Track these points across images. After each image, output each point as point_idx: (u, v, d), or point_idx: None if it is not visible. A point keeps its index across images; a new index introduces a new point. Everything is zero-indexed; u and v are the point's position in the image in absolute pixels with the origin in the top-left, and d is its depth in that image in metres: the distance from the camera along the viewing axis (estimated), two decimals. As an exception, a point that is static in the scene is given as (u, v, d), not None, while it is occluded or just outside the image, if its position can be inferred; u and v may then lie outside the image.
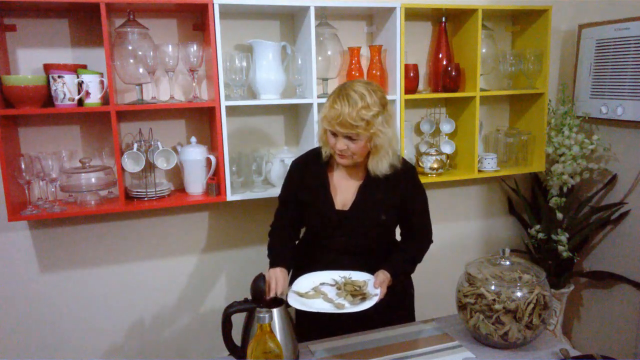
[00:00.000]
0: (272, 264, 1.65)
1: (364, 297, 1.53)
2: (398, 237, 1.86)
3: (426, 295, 2.46)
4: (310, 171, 1.75)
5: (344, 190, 1.72)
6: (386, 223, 1.72)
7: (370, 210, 1.68)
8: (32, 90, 1.87)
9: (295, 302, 1.50)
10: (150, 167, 2.10)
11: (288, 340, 1.45)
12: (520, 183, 2.84)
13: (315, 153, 1.76)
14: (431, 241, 1.80)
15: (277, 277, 1.57)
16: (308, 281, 1.63)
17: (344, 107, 1.52)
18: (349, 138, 1.57)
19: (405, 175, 1.70)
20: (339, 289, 1.58)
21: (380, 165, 1.63)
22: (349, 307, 1.48)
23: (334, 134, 1.59)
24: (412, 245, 1.77)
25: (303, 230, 1.90)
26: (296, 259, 1.81)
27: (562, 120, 2.51)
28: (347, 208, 1.69)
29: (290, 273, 1.74)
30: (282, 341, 1.38)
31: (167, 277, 2.36)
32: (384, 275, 1.59)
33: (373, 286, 1.56)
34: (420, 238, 1.78)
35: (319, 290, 1.59)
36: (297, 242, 1.85)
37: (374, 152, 1.62)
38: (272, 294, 1.53)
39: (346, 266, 1.66)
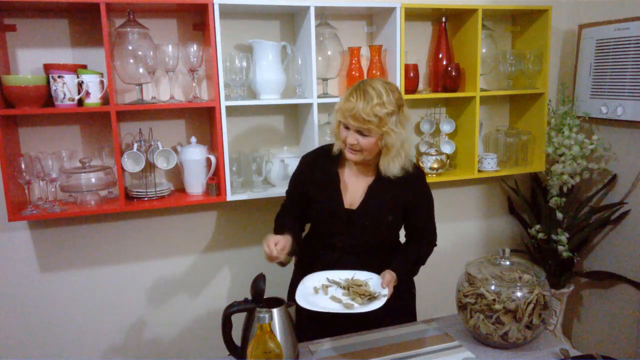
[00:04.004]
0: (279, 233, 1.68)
1: (370, 298, 1.52)
2: (402, 239, 1.86)
3: (427, 295, 2.46)
4: (320, 167, 1.75)
5: (352, 189, 1.72)
6: (392, 224, 1.72)
7: (377, 210, 1.68)
8: (32, 90, 1.87)
9: (303, 302, 1.49)
10: (150, 167, 2.10)
11: (288, 340, 1.46)
12: (520, 183, 2.84)
13: (326, 150, 1.77)
14: (435, 244, 1.81)
15: (275, 239, 1.58)
16: (312, 282, 1.62)
17: (359, 102, 1.54)
18: (360, 133, 1.58)
19: (414, 179, 1.71)
20: (344, 288, 1.57)
21: (392, 166, 1.63)
22: (359, 307, 1.48)
23: (347, 127, 1.60)
24: (416, 247, 1.77)
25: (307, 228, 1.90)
26: (300, 256, 1.81)
27: (562, 120, 2.51)
28: (354, 207, 1.70)
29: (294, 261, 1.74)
30: (282, 341, 1.38)
31: (167, 277, 2.36)
32: (390, 276, 1.59)
33: (380, 286, 1.55)
34: (424, 241, 1.79)
35: (325, 290, 1.59)
36: (301, 234, 1.85)
37: (385, 151, 1.63)
38: (272, 253, 1.55)
39: (349, 265, 1.66)
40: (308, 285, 1.60)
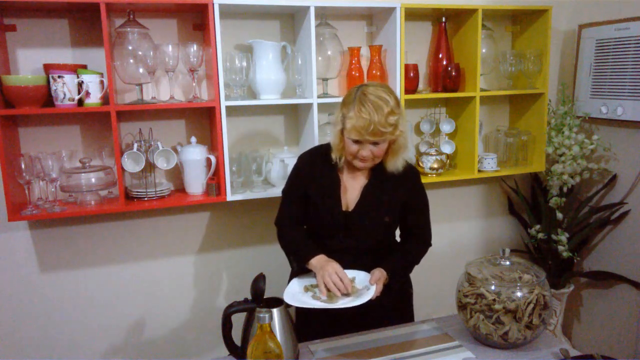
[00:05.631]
0: (303, 259, 1.64)
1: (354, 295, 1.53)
2: (397, 238, 1.86)
3: (426, 295, 2.47)
4: (319, 168, 1.73)
5: (348, 191, 1.72)
6: (389, 225, 1.72)
7: (373, 211, 1.68)
8: (32, 90, 1.88)
9: (291, 299, 1.51)
10: (150, 167, 2.10)
11: (288, 340, 1.46)
12: (520, 183, 2.84)
13: (322, 151, 1.75)
14: (430, 244, 1.80)
15: (336, 269, 1.54)
16: (303, 281, 1.65)
17: (373, 115, 1.51)
18: (374, 144, 1.57)
19: (409, 178, 1.71)
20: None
21: (398, 163, 1.65)
22: (343, 302, 1.49)
23: (357, 142, 1.58)
24: (411, 247, 1.77)
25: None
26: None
27: (562, 120, 2.51)
28: (350, 209, 1.69)
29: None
30: (282, 341, 1.38)
31: (167, 277, 2.36)
32: (380, 273, 1.59)
33: (369, 283, 1.57)
34: (419, 241, 1.78)
35: (310, 289, 1.61)
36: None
37: (395, 151, 1.63)
38: (343, 291, 1.51)
39: (346, 266, 1.66)
40: (298, 285, 1.63)
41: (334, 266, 1.57)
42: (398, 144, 1.61)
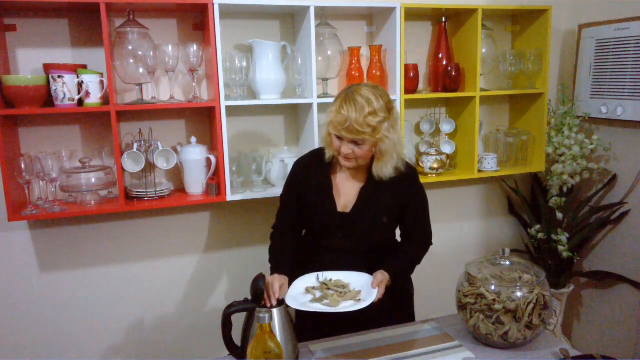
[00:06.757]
0: (272, 271, 1.66)
1: (353, 299, 1.53)
2: (398, 238, 1.86)
3: (426, 295, 2.46)
4: (313, 172, 1.74)
5: (345, 193, 1.72)
6: (387, 225, 1.72)
7: (371, 212, 1.68)
8: (32, 90, 1.88)
9: (293, 302, 1.50)
10: (150, 167, 2.10)
11: (288, 340, 1.46)
12: (520, 183, 2.84)
13: (318, 154, 1.76)
14: (431, 244, 1.81)
15: (273, 284, 1.55)
16: (305, 283, 1.64)
17: (351, 113, 1.51)
18: (354, 143, 1.57)
19: (407, 179, 1.70)
20: (328, 288, 1.57)
21: (385, 169, 1.63)
22: (345, 306, 1.48)
23: (339, 138, 1.58)
24: (411, 247, 1.77)
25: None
26: (297, 258, 1.81)
27: (562, 120, 2.51)
28: (348, 210, 1.69)
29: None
30: (282, 341, 1.38)
31: (167, 277, 2.36)
32: (382, 276, 1.59)
33: (371, 286, 1.56)
34: (420, 241, 1.78)
35: (312, 291, 1.60)
36: (298, 243, 1.84)
37: (378, 157, 1.62)
38: (270, 302, 1.50)
39: (346, 267, 1.66)
40: (300, 287, 1.61)
41: (274, 278, 1.56)
42: (380, 149, 1.59)
